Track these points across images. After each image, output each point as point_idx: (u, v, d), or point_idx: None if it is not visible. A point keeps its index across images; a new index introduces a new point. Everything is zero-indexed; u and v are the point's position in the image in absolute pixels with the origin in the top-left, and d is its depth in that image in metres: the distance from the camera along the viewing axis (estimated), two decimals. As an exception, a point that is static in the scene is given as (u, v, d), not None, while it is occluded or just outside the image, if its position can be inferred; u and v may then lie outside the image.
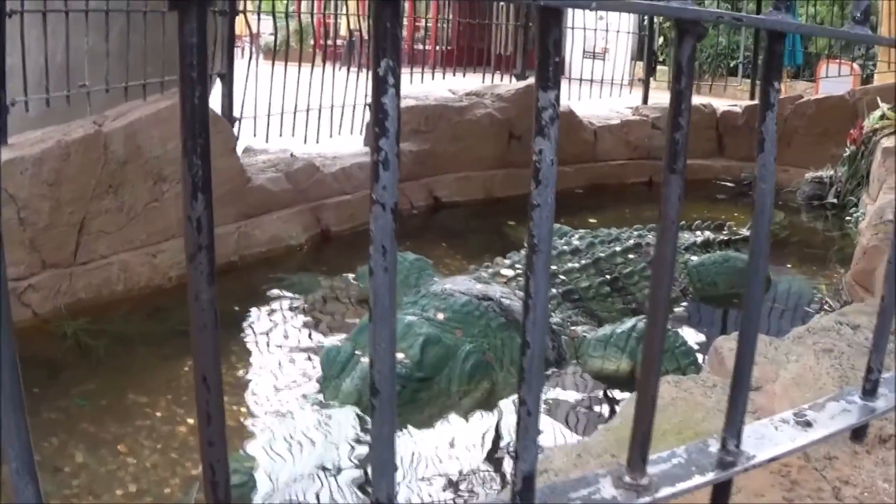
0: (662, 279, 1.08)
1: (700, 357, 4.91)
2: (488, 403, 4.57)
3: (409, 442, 4.13)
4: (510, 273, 5.60)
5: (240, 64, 7.87)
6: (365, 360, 4.49)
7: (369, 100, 8.52)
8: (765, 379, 2.81)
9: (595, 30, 12.55)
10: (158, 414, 4.44)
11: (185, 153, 0.75)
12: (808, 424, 1.33)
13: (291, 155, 7.82)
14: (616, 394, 4.84)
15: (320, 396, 4.47)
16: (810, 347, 3.14)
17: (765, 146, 1.16)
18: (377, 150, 0.84)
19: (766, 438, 1.26)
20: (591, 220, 8.00)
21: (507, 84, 10.34)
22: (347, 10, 10.07)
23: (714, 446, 1.21)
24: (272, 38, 9.32)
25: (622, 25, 12.32)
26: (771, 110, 1.16)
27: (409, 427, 4.20)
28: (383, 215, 0.85)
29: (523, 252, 5.86)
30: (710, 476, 1.16)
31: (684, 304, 6.23)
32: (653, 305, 1.08)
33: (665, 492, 1.11)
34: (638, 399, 1.13)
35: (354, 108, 9.08)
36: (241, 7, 8.02)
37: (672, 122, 1.07)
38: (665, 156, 1.07)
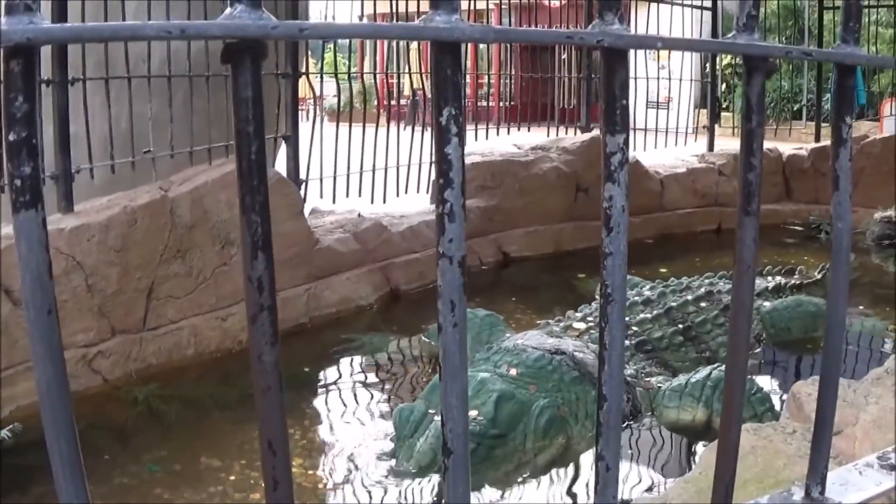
0: (741, 324, 1.04)
1: (777, 404, 4.81)
2: (564, 459, 4.51)
3: (485, 501, 4.08)
4: (582, 326, 5.55)
5: (304, 126, 7.97)
6: (438, 419, 4.45)
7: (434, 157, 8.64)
8: (845, 423, 2.72)
9: (658, 78, 12.51)
10: (232, 478, 4.42)
11: (244, 211, 0.73)
12: (893, 468, 1.28)
13: (359, 215, 7.86)
14: (693, 445, 4.75)
15: (394, 458, 4.44)
16: (890, 389, 3.05)
17: (839, 184, 1.12)
18: (442, 202, 0.82)
19: (851, 484, 1.21)
20: (662, 270, 7.91)
21: (572, 137, 10.33)
22: (410, 69, 10.16)
23: (798, 494, 1.17)
24: (336, 99, 9.41)
25: (684, 73, 12.25)
26: (844, 146, 1.12)
27: (485, 485, 4.15)
28: (451, 269, 0.83)
29: (595, 305, 5.83)
30: (799, 527, 1.11)
31: (758, 349, 6.11)
32: (732, 350, 1.05)
33: (753, 549, 1.06)
34: (719, 447, 1.08)
35: (420, 166, 9.13)
36: (303, 69, 8.12)
37: (744, 163, 1.04)
38: (739, 198, 1.03)
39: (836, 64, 1.10)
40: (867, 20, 15.09)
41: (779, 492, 1.20)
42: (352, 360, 6.10)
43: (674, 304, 5.96)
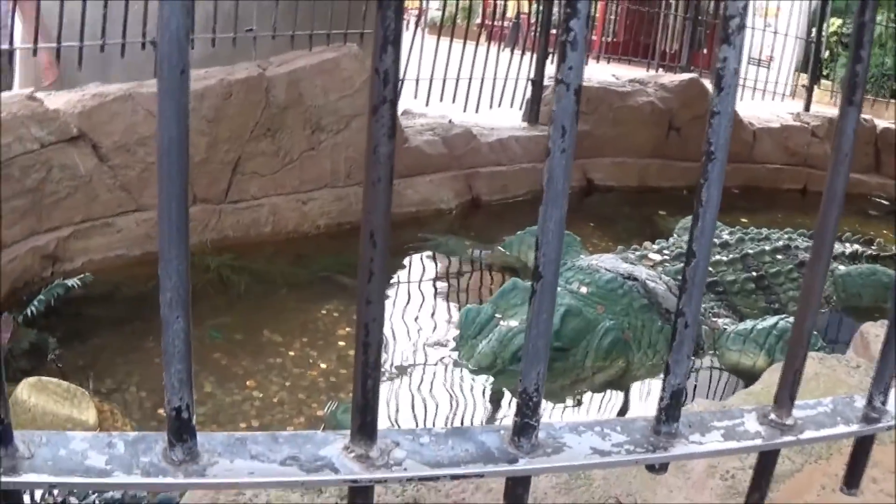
0: (829, 218, 1.04)
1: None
2: (621, 383, 4.53)
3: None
4: (657, 258, 5.52)
5: (405, 35, 7.95)
6: (504, 323, 4.50)
7: (532, 76, 8.52)
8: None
9: (763, 29, 12.21)
10: (291, 354, 4.50)
11: (380, 7, 0.76)
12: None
13: (450, 121, 7.85)
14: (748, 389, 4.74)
15: (455, 355, 4.51)
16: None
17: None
18: (567, 30, 0.83)
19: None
20: (743, 220, 7.79)
21: (671, 76, 10.17)
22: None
23: (860, 402, 1.17)
24: (438, 13, 9.36)
25: (790, 29, 11.95)
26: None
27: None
28: (567, 96, 0.83)
29: (672, 240, 5.80)
30: (855, 427, 1.12)
31: (824, 310, 6.02)
32: (818, 238, 1.05)
33: (809, 434, 1.07)
34: (793, 335, 1.09)
35: (517, 83, 9.06)
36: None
37: (854, 55, 1.03)
38: (843, 88, 1.03)
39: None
40: None
41: (841, 396, 1.21)
42: (426, 258, 6.16)
43: (751, 251, 5.89)
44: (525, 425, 0.91)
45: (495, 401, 4.22)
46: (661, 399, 0.98)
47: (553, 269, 0.88)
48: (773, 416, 1.08)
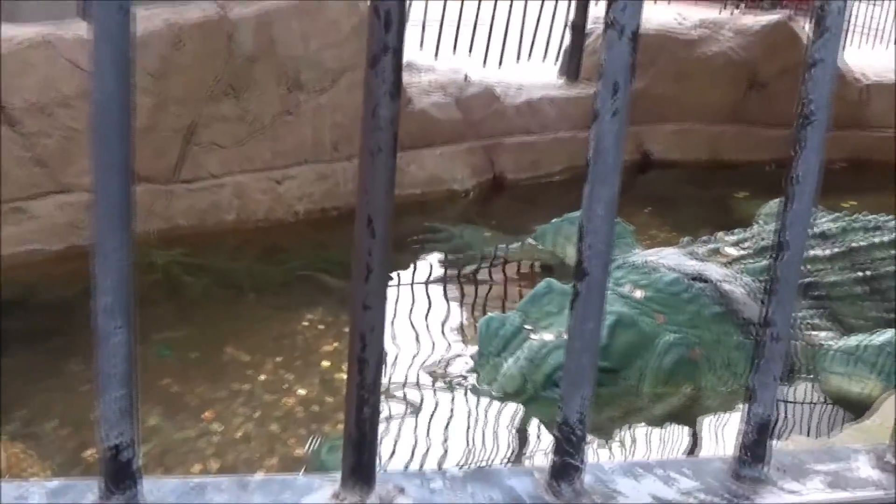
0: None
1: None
2: (687, 414, 4.50)
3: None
4: (734, 252, 5.49)
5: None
6: (536, 337, 4.49)
7: (571, 19, 8.47)
8: None
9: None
10: (262, 377, 4.49)
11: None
12: None
13: (465, 77, 7.84)
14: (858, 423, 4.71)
15: (474, 378, 4.50)
16: None
17: None
18: (621, -41, 0.83)
19: None
20: (850, 203, 7.77)
21: (752, 17, 10.12)
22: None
23: None
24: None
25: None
26: None
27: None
28: (620, 43, 0.83)
29: (755, 230, 5.77)
30: None
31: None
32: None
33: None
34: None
35: (551, 28, 9.04)
36: None
37: None
38: None
39: None
40: None
41: None
42: (435, 254, 6.16)
43: (859, 244, 5.84)
44: (566, 466, 0.92)
45: (524, 436, 4.22)
46: (743, 433, 0.98)
47: (602, 264, 0.89)
48: (893, 458, 1.08)
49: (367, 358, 0.85)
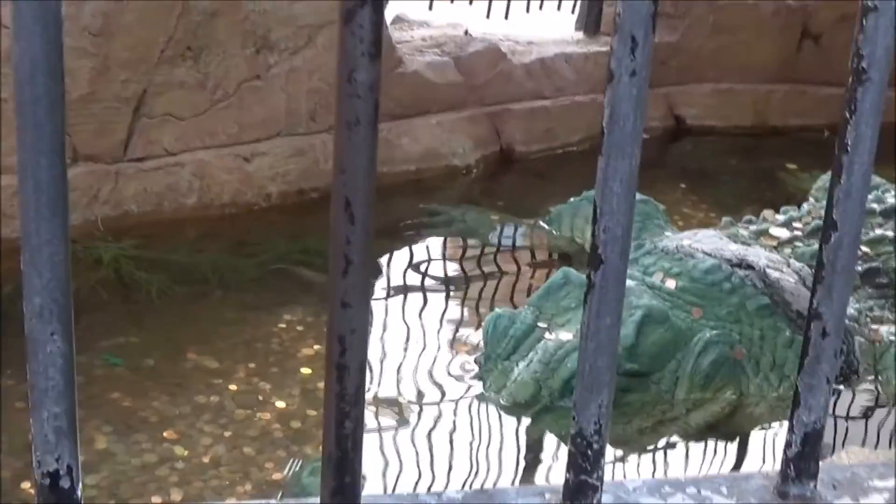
0: None
1: None
2: (730, 424, 4.52)
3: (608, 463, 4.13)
4: (784, 234, 5.49)
5: None
6: (552, 336, 4.50)
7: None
8: None
9: None
10: (232, 387, 4.50)
11: None
12: None
13: (465, 33, 7.81)
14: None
15: (479, 385, 4.51)
16: None
17: None
18: None
19: None
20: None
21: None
22: None
23: None
24: None
25: None
26: None
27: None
28: (635, -11, 0.84)
29: (807, 206, 5.76)
30: None
31: None
32: None
33: None
34: None
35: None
36: None
37: None
38: None
39: None
40: None
41: None
42: (432, 241, 6.16)
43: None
44: (581, 485, 0.92)
45: (538, 453, 4.23)
46: (789, 445, 0.99)
47: (620, 249, 0.89)
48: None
49: (347, 364, 0.85)
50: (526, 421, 4.28)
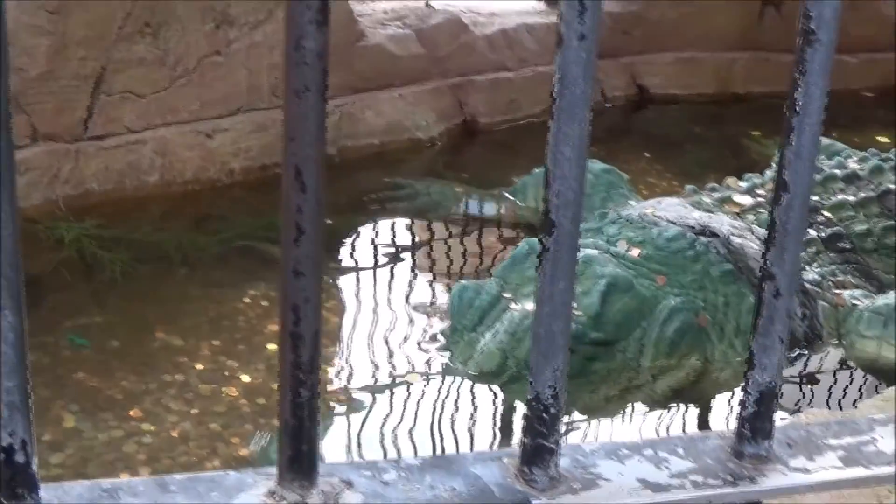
0: None
1: None
2: (695, 391, 4.53)
3: (574, 431, 4.14)
4: (747, 201, 5.50)
5: None
6: (517, 306, 4.50)
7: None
8: None
9: None
10: (198, 365, 4.51)
11: None
12: None
13: (427, 5, 7.81)
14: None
15: (445, 356, 4.51)
16: None
17: None
18: None
19: None
20: (881, 140, 7.79)
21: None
22: None
23: None
24: None
25: None
26: None
27: (572, 412, 4.19)
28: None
29: (770, 173, 5.77)
30: None
31: None
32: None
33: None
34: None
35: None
36: None
37: None
38: None
39: None
40: None
41: None
42: (396, 215, 6.14)
43: (893, 187, 5.85)
44: (538, 448, 0.92)
45: (506, 423, 4.24)
46: (744, 405, 0.99)
47: (572, 214, 0.89)
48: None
49: (301, 333, 0.85)
50: (493, 391, 4.28)
